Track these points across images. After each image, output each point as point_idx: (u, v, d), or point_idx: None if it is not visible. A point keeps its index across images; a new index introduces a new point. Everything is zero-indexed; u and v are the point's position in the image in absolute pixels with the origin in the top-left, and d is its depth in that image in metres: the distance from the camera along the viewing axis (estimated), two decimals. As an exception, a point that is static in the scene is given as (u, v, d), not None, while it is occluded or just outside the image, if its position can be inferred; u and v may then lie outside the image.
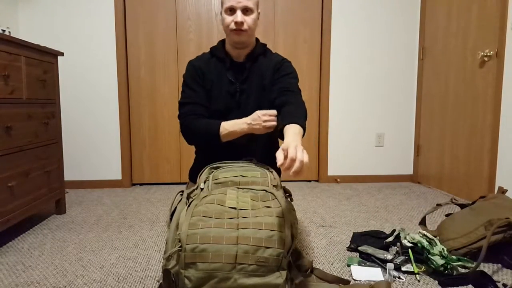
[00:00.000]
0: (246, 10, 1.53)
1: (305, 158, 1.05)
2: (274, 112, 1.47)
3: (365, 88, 3.09)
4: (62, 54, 2.17)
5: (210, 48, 1.71)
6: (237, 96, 1.61)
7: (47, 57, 2.07)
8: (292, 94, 1.54)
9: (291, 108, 1.45)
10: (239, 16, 1.52)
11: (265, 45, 1.71)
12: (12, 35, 2.66)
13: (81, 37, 2.86)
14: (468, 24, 2.48)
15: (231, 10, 1.54)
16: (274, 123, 1.46)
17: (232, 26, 1.54)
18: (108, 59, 2.89)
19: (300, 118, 1.40)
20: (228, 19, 1.55)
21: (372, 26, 3.03)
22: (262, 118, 1.46)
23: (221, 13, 1.61)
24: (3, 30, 2.33)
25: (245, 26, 1.54)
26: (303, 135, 1.38)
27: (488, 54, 2.27)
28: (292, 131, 1.28)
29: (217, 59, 1.65)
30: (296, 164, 1.03)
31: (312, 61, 3.05)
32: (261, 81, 1.63)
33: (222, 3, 1.59)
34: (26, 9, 2.80)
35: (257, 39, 1.71)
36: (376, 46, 3.05)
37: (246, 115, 1.57)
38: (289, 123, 1.35)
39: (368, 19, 3.02)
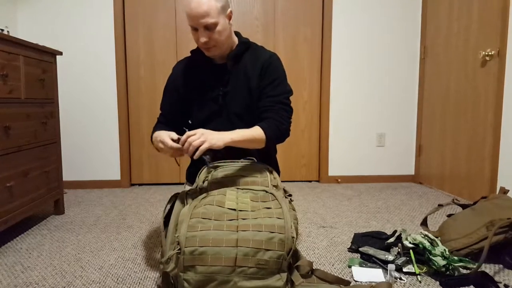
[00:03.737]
0: (208, 27, 1.41)
1: (195, 143, 1.25)
2: (170, 145, 1.33)
3: (366, 87, 3.08)
4: (60, 53, 2.16)
5: (191, 52, 1.63)
6: (219, 100, 1.55)
7: (46, 57, 2.06)
8: (271, 112, 1.49)
9: (261, 123, 1.47)
10: (202, 35, 1.42)
11: (247, 40, 1.60)
12: (10, 34, 2.65)
13: (80, 36, 2.85)
14: (469, 23, 2.46)
15: (194, 29, 1.44)
16: (164, 148, 1.36)
17: (200, 44, 1.46)
18: (107, 59, 2.88)
19: (263, 126, 1.44)
20: (194, 36, 1.46)
21: (373, 25, 3.02)
22: (158, 141, 1.39)
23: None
24: (2, 30, 2.32)
25: (211, 44, 1.44)
26: (266, 141, 1.43)
27: (490, 53, 2.26)
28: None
29: (197, 64, 1.58)
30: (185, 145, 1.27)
31: (312, 61, 3.04)
32: (247, 83, 1.53)
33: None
34: (24, 8, 2.79)
35: (238, 34, 1.61)
36: (377, 45, 3.04)
37: (231, 120, 1.54)
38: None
39: (369, 18, 3.01)
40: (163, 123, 1.63)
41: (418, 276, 1.38)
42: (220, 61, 1.56)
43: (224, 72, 1.55)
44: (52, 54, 2.12)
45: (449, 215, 1.82)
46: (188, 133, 1.28)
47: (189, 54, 1.66)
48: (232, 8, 2.92)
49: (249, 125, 1.55)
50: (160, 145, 1.36)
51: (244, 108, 1.55)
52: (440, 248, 1.43)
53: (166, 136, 1.34)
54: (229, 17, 1.48)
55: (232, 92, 1.54)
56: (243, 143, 1.38)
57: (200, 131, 1.30)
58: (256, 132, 1.41)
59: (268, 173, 1.42)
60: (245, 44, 1.58)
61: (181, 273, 1.07)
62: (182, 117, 1.65)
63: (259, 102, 1.53)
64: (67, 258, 1.59)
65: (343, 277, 1.38)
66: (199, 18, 1.38)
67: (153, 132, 1.58)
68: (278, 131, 1.46)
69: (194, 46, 2.89)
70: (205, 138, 1.27)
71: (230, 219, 1.14)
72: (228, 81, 1.54)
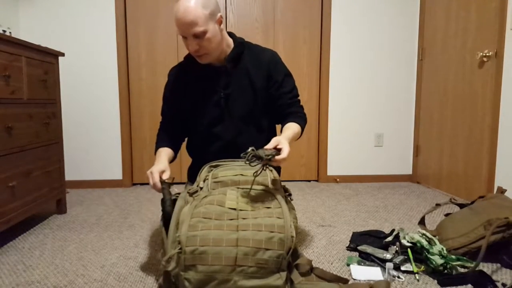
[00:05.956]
0: (197, 36, 1.39)
1: (284, 153, 1.24)
2: (154, 182, 1.38)
3: (364, 88, 3.10)
4: (62, 54, 2.17)
5: (185, 57, 1.60)
6: (222, 103, 1.54)
7: (48, 58, 2.07)
8: (293, 107, 1.60)
9: (290, 118, 1.57)
10: (192, 44, 1.40)
11: (243, 41, 1.59)
12: (13, 35, 2.67)
13: (81, 38, 2.86)
14: (467, 24, 2.48)
15: (184, 37, 1.42)
16: (155, 185, 1.38)
17: (190, 52, 1.45)
18: (109, 59, 2.90)
19: (296, 120, 1.55)
20: (185, 43, 1.43)
21: (372, 27, 3.04)
22: (148, 173, 1.42)
23: None
24: (4, 31, 2.34)
25: (202, 51, 1.43)
26: (301, 134, 1.55)
27: (487, 54, 2.27)
28: (286, 128, 1.49)
29: (193, 69, 1.56)
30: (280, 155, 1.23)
31: (311, 62, 3.06)
32: (250, 84, 1.54)
33: None
34: (26, 10, 2.81)
35: (232, 35, 1.59)
36: (375, 46, 3.06)
37: (235, 123, 1.56)
38: (286, 122, 1.54)
39: (368, 20, 3.03)
40: (165, 132, 1.64)
41: (416, 275, 1.40)
42: (218, 63, 1.54)
43: (224, 75, 1.53)
44: (54, 55, 2.13)
45: (446, 215, 1.83)
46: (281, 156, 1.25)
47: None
48: (232, 10, 2.94)
49: (253, 128, 1.57)
50: (149, 175, 1.40)
51: (248, 110, 1.55)
52: (437, 247, 1.45)
53: (156, 172, 1.39)
54: (219, 22, 1.45)
55: (235, 94, 1.54)
56: (294, 138, 1.48)
57: (285, 151, 1.25)
58: (297, 129, 1.50)
59: (268, 172, 1.44)
60: (242, 45, 1.57)
61: (182, 272, 1.09)
62: (184, 123, 1.65)
63: (278, 101, 1.59)
64: (69, 257, 1.61)
65: (341, 276, 1.40)
66: (187, 27, 1.36)
67: (156, 142, 1.62)
68: (304, 120, 1.59)
69: (194, 46, 2.91)
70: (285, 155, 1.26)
71: (230, 218, 1.15)
72: (229, 83, 1.54)
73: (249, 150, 1.21)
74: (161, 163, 1.46)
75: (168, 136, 1.63)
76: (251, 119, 1.57)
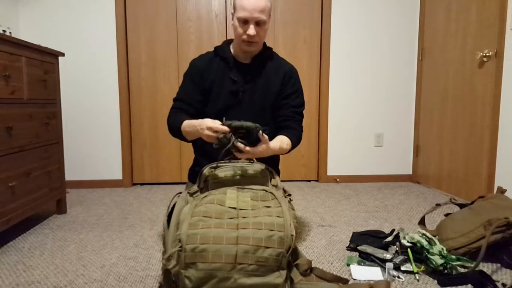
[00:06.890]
0: (259, 23, 1.52)
1: (251, 150, 1.34)
2: (221, 128, 1.32)
3: (364, 88, 3.10)
4: (63, 54, 2.17)
5: (215, 48, 1.71)
6: (239, 95, 1.63)
7: (48, 58, 2.07)
8: (293, 122, 1.65)
9: (285, 131, 1.62)
10: (252, 29, 1.51)
11: (271, 48, 1.72)
12: (13, 35, 2.67)
13: (82, 38, 2.86)
14: (467, 24, 2.48)
15: (244, 22, 1.52)
16: (212, 135, 1.33)
17: (244, 37, 1.54)
18: (109, 59, 2.90)
19: (290, 136, 1.59)
20: (240, 29, 1.53)
21: (372, 27, 3.04)
22: (204, 128, 1.36)
23: (232, 17, 1.60)
24: (4, 31, 2.34)
25: (256, 39, 1.54)
26: (289, 150, 1.60)
27: (487, 54, 2.27)
28: (276, 138, 1.54)
29: (221, 59, 1.66)
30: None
31: (312, 62, 3.06)
32: (267, 86, 1.64)
33: (235, 9, 1.55)
34: (26, 10, 2.81)
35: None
36: (375, 46, 3.06)
37: (247, 114, 1.59)
38: (280, 134, 1.59)
39: (368, 20, 3.03)
40: (182, 110, 1.66)
41: (416, 275, 1.40)
42: (244, 60, 1.64)
43: (247, 71, 1.63)
44: (54, 55, 2.13)
45: (446, 215, 1.83)
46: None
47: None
48: (232, 10, 2.94)
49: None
50: (207, 132, 1.34)
51: (260, 107, 1.63)
52: (438, 247, 1.45)
53: (213, 123, 1.34)
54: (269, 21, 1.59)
55: (252, 91, 1.62)
56: (277, 152, 1.52)
57: (260, 148, 1.39)
58: (286, 144, 1.56)
59: (267, 173, 1.44)
60: (270, 51, 1.70)
61: (182, 270, 1.09)
62: (199, 106, 1.69)
63: (281, 109, 1.66)
64: (69, 257, 1.61)
65: (341, 276, 1.40)
66: (256, 11, 1.47)
67: (173, 120, 1.61)
68: (299, 140, 1.65)
69: (194, 49, 2.92)
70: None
71: (230, 217, 1.15)
72: (250, 80, 1.63)
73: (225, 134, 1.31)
74: (208, 120, 1.38)
75: (186, 114, 1.64)
76: (260, 118, 1.61)
